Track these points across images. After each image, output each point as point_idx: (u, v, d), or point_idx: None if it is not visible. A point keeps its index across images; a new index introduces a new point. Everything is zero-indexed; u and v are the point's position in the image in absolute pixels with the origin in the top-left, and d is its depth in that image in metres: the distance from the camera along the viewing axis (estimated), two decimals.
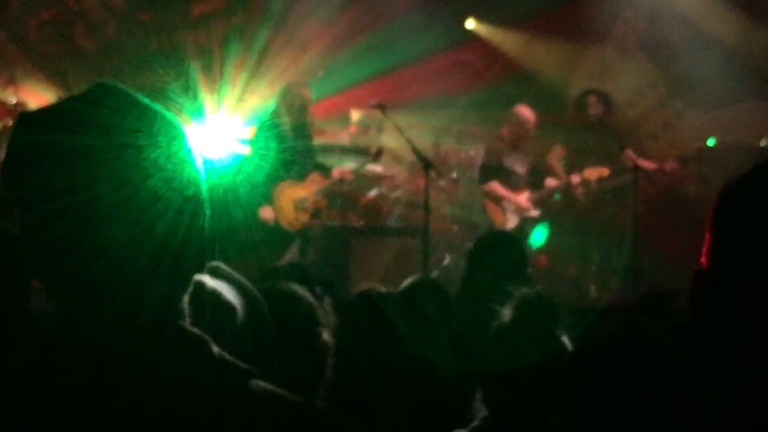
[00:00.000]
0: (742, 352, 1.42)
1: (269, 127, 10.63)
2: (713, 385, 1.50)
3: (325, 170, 10.88)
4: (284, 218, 10.55)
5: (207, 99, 13.42)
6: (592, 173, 11.47)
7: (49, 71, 11.97)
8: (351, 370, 3.78)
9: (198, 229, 1.70)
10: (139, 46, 13.82)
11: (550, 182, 11.70)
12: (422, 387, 3.79)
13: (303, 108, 10.76)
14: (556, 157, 11.79)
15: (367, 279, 10.34)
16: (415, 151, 10.45)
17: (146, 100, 1.70)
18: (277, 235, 10.62)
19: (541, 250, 12.32)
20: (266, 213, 10.46)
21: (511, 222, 11.51)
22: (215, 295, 2.47)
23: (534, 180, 11.72)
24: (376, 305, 4.01)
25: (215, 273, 2.97)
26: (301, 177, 10.70)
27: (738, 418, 1.44)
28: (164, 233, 1.63)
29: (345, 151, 11.98)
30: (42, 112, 1.66)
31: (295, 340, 3.20)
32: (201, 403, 1.64)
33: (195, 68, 13.74)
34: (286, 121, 10.62)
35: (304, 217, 10.65)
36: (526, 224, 11.54)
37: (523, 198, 11.57)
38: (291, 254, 10.64)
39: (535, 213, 11.66)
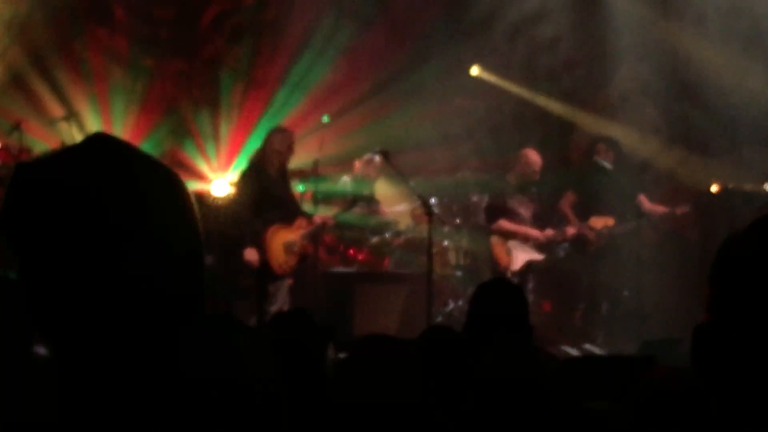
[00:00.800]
0: (742, 405, 1.43)
1: (257, 170, 10.61)
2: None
3: (308, 215, 10.88)
4: (275, 261, 10.52)
5: (208, 144, 13.47)
6: (598, 222, 11.51)
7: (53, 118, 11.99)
8: (356, 419, 3.76)
9: (197, 275, 1.70)
10: (144, 92, 13.88)
11: (548, 232, 11.73)
12: None
13: (289, 151, 10.77)
14: (567, 203, 11.81)
15: (371, 324, 10.38)
16: (419, 196, 10.45)
17: (141, 151, 1.71)
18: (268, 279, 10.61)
19: (546, 297, 12.32)
20: (252, 255, 10.42)
21: (516, 263, 11.53)
22: (226, 346, 2.44)
23: (540, 225, 11.76)
24: (385, 352, 3.99)
25: (225, 323, 2.95)
26: (289, 221, 10.69)
27: None
28: (164, 281, 1.63)
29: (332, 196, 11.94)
30: (39, 162, 1.67)
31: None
32: None
33: (198, 113, 13.82)
34: (272, 165, 10.62)
35: (293, 261, 10.63)
36: (531, 267, 11.54)
37: (535, 233, 11.65)
38: (281, 299, 10.60)
39: (539, 257, 11.68)
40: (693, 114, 13.69)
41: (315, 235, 10.91)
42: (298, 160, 11.99)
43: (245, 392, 2.29)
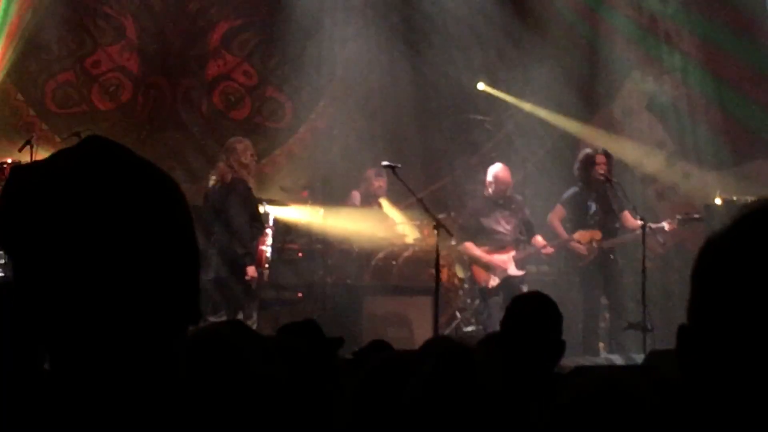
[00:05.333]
0: (725, 409, 1.39)
1: (244, 185, 10.59)
2: None
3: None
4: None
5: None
6: (584, 236, 11.46)
7: (65, 133, 12.01)
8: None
9: (193, 283, 1.67)
10: (153, 108, 13.92)
11: (538, 241, 11.67)
12: None
13: (254, 164, 10.84)
14: (556, 216, 11.75)
15: (379, 336, 10.39)
16: (426, 210, 10.48)
17: (137, 155, 1.67)
18: None
19: None
20: (254, 272, 10.47)
21: (494, 280, 11.47)
22: (230, 350, 2.45)
23: (522, 239, 11.67)
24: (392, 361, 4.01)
25: (233, 328, 3.00)
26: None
27: None
28: (159, 287, 1.61)
29: None
30: (34, 165, 1.65)
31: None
32: None
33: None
34: (248, 179, 10.68)
35: None
36: (509, 282, 11.46)
37: (505, 258, 11.54)
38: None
39: (518, 273, 11.62)
40: (698, 128, 13.75)
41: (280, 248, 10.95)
42: (303, 176, 12.06)
43: (250, 393, 2.31)
